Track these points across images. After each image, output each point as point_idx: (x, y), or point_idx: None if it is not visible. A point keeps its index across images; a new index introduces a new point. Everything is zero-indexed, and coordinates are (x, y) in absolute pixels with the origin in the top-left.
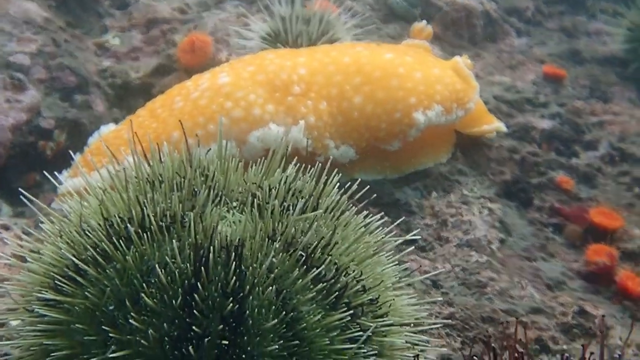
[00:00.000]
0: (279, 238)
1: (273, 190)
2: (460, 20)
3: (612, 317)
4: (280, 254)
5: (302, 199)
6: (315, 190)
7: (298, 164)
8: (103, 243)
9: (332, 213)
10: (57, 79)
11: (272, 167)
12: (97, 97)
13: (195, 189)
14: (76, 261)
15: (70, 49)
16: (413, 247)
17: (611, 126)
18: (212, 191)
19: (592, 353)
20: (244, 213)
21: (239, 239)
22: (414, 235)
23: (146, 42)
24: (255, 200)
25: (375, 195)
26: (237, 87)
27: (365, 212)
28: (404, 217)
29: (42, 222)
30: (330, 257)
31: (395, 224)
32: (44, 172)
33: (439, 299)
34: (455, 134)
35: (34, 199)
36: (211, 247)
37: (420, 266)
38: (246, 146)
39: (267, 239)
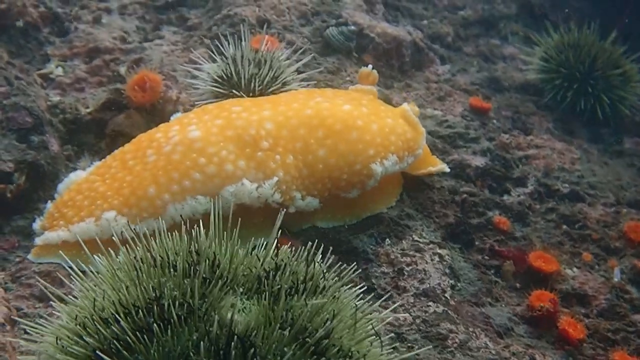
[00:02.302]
0: (288, 327)
1: (276, 276)
2: (391, 51)
3: None
4: (292, 343)
5: (301, 283)
6: (309, 272)
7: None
8: (126, 336)
9: (328, 293)
10: (12, 119)
11: (268, 251)
12: (51, 136)
13: (205, 276)
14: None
15: (22, 86)
16: (372, 295)
17: (535, 161)
18: (220, 279)
19: None
20: (251, 299)
21: (252, 330)
22: (396, 309)
23: (90, 72)
24: (261, 286)
25: (334, 243)
26: (209, 143)
27: (350, 285)
28: (363, 266)
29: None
30: (334, 342)
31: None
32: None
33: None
34: (402, 177)
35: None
36: (229, 340)
37: (384, 320)
38: (219, 201)
39: (278, 329)
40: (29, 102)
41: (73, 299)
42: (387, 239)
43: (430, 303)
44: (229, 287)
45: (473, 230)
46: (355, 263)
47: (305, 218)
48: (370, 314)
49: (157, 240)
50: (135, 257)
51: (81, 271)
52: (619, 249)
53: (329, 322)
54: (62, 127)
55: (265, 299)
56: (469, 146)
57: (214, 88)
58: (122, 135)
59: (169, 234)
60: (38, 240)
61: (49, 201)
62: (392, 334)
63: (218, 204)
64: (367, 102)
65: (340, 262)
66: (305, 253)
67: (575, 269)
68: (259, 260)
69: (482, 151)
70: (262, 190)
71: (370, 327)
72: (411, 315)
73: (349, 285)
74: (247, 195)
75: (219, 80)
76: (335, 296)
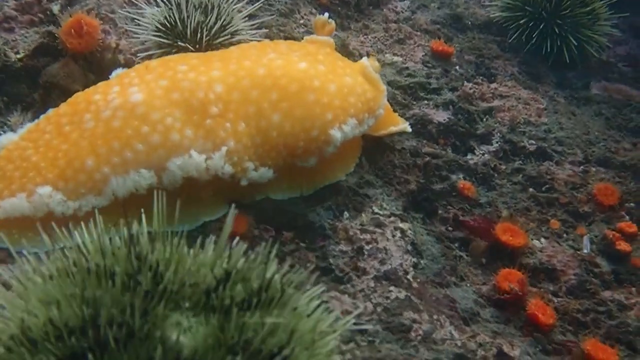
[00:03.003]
0: (240, 351)
1: (227, 287)
2: None
3: (526, 355)
4: None
5: (256, 295)
6: (265, 280)
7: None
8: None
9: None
10: None
11: (218, 253)
12: None
13: (147, 289)
14: None
15: None
16: (330, 277)
17: (500, 114)
18: (165, 292)
19: None
20: (198, 317)
21: (200, 355)
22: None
23: (20, 10)
24: (209, 300)
25: (290, 217)
26: (152, 107)
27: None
28: (320, 243)
29: None
30: None
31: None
32: None
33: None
34: (361, 138)
35: None
36: None
37: (343, 308)
38: (165, 174)
39: (228, 354)
40: None
41: None
42: (346, 212)
43: (392, 287)
44: (173, 303)
45: (436, 198)
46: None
47: (258, 189)
48: (332, 326)
49: (93, 237)
50: (67, 262)
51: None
52: (587, 213)
53: (285, 345)
54: None
55: (214, 316)
56: (430, 98)
57: (156, 38)
58: (57, 87)
59: (106, 228)
60: None
61: None
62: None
63: (161, 197)
64: (323, 57)
65: (296, 240)
66: (259, 255)
67: (542, 240)
68: (207, 267)
69: (444, 104)
70: (211, 162)
71: (330, 338)
72: (372, 302)
73: (306, 284)
74: (195, 168)
75: (162, 28)
76: (293, 307)
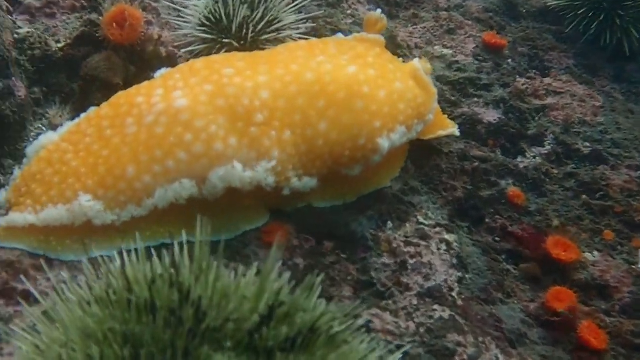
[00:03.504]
0: None
1: (271, 327)
2: None
3: None
4: None
5: (302, 335)
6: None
7: None
8: None
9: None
10: None
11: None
12: (18, 79)
13: (190, 328)
14: None
15: None
16: (371, 291)
17: (554, 112)
18: (207, 330)
19: None
20: (240, 357)
21: None
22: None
23: None
24: (252, 341)
25: (331, 227)
26: (196, 114)
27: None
28: (362, 255)
29: None
30: None
31: None
32: None
33: None
34: (408, 143)
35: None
36: None
37: (385, 327)
38: (206, 185)
39: None
40: None
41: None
42: (389, 222)
43: (436, 306)
44: (215, 341)
45: (483, 205)
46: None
47: (301, 197)
48: None
49: (132, 263)
50: (108, 291)
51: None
52: None
53: None
54: (29, 66)
55: (257, 358)
56: (480, 95)
57: (200, 34)
58: (97, 80)
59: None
60: (2, 222)
61: (17, 167)
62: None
63: (202, 232)
64: (373, 59)
65: (337, 251)
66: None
67: (595, 253)
68: (251, 301)
69: (495, 102)
70: (254, 173)
71: None
72: (414, 322)
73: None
74: (238, 179)
75: (206, 23)
76: (339, 345)
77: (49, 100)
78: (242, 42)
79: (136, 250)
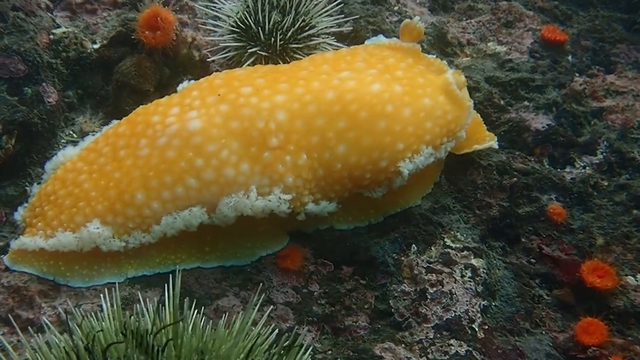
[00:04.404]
0: None
1: None
2: None
3: None
4: None
5: None
6: None
7: None
8: None
9: None
10: (3, 67)
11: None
12: (49, 84)
13: None
14: None
15: (19, 20)
16: (388, 321)
17: (611, 116)
18: None
19: None
20: None
21: None
22: None
23: None
24: None
25: (351, 250)
26: (209, 138)
27: None
28: (382, 281)
29: None
30: None
31: None
32: None
33: None
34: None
35: None
36: None
37: None
38: (217, 213)
39: None
40: (24, 43)
41: None
42: (414, 245)
43: (453, 340)
44: None
45: (521, 223)
46: None
47: (321, 221)
48: None
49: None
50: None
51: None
52: None
53: None
54: (64, 68)
55: None
56: (532, 98)
57: (229, 43)
58: (127, 87)
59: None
60: (14, 245)
61: (35, 184)
62: None
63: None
64: (404, 72)
65: (356, 277)
66: None
67: (639, 276)
68: None
69: (547, 105)
70: (266, 202)
71: None
72: (428, 358)
73: None
74: (249, 207)
75: (236, 30)
76: None
77: (83, 102)
78: (270, 51)
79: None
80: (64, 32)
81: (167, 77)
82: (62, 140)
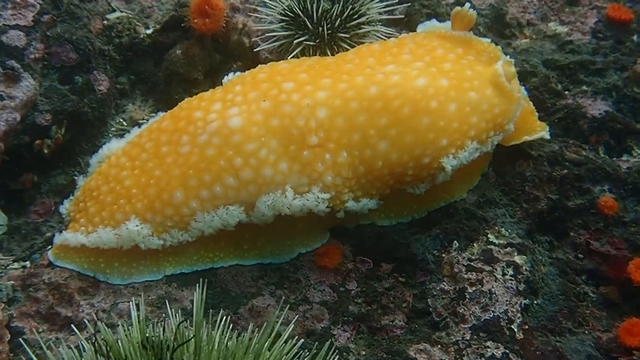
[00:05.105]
0: None
1: None
2: None
3: None
4: None
5: None
6: None
7: None
8: None
9: None
10: (55, 55)
11: None
12: (100, 72)
13: None
14: None
15: (73, 7)
16: (426, 321)
17: None
18: None
19: None
20: None
21: None
22: None
23: None
24: None
25: (391, 247)
26: (248, 137)
27: None
28: (421, 279)
29: None
30: None
31: None
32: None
33: None
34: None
35: None
36: None
37: None
38: (255, 212)
39: None
40: (76, 30)
41: None
42: (456, 241)
43: (489, 342)
44: None
45: (570, 217)
46: None
47: (363, 216)
48: None
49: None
50: None
51: None
52: None
53: None
54: (116, 55)
55: None
56: (590, 82)
57: (277, 32)
58: (177, 75)
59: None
60: (57, 240)
61: (81, 176)
62: None
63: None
64: (452, 64)
65: (395, 274)
66: None
67: None
68: None
69: (606, 90)
70: (304, 201)
71: None
72: None
73: None
74: (287, 206)
75: (285, 18)
76: None
77: (135, 87)
78: (317, 41)
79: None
80: (117, 17)
81: (217, 63)
82: (112, 129)
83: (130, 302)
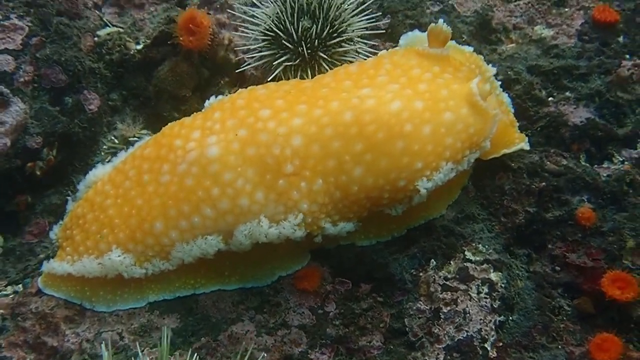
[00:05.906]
0: None
1: None
2: None
3: None
4: None
5: None
6: None
7: None
8: None
9: None
10: (44, 77)
11: None
12: (90, 91)
13: None
14: None
15: (62, 27)
16: (402, 341)
17: None
18: None
19: None
20: None
21: None
22: None
23: None
24: None
25: (369, 267)
26: (226, 166)
27: None
28: (398, 298)
29: None
30: None
31: None
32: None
33: None
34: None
35: None
36: None
37: None
38: (233, 241)
39: None
40: (65, 51)
41: None
42: (433, 259)
43: None
44: None
45: (548, 229)
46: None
47: (342, 239)
48: None
49: None
50: None
51: None
52: None
53: None
54: (107, 72)
55: None
56: (574, 88)
57: (260, 53)
58: (165, 92)
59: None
60: (45, 268)
61: (70, 200)
62: None
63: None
64: (427, 84)
65: (373, 295)
66: None
67: None
68: None
69: (589, 96)
70: (281, 229)
71: None
72: None
73: None
74: (264, 235)
75: (266, 37)
76: None
77: (127, 103)
78: (298, 60)
79: None
80: (108, 34)
81: (206, 78)
82: (104, 147)
83: (102, 344)
